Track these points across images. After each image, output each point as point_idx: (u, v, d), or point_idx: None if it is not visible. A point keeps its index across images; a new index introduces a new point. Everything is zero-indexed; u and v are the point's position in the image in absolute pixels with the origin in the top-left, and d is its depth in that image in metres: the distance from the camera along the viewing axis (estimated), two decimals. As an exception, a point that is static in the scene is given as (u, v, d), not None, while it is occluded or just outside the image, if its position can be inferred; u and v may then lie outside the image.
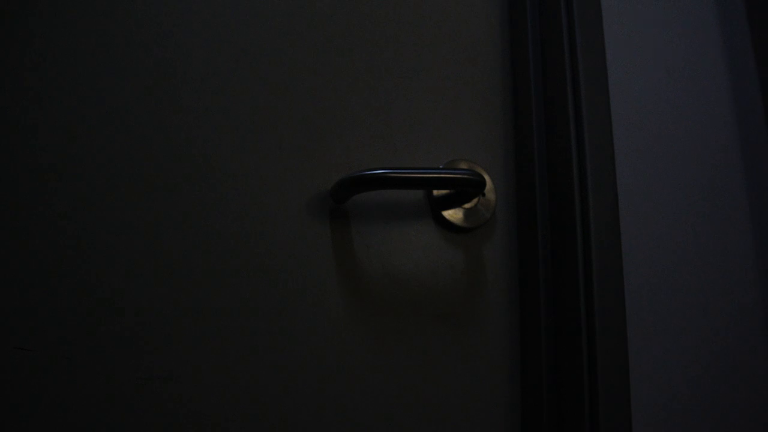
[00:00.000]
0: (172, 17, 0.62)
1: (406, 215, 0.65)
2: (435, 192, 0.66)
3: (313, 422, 0.57)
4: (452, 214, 0.66)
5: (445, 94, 0.70)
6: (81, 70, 0.58)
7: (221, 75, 0.62)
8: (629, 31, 0.74)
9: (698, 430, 0.64)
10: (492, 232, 0.68)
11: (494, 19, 0.75)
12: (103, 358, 0.52)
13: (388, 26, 0.70)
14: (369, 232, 0.63)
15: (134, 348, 0.53)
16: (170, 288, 0.56)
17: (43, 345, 0.51)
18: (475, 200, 0.67)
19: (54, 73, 0.57)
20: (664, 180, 0.71)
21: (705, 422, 0.64)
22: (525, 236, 0.68)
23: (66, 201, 0.54)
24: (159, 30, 0.61)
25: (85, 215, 0.55)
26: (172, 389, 0.53)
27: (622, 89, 0.71)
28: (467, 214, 0.67)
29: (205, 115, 0.61)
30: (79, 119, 0.57)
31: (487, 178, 0.69)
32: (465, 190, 0.62)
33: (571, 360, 0.60)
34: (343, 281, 0.61)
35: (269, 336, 0.57)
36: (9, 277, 0.51)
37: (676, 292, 0.67)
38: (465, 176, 0.60)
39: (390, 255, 0.63)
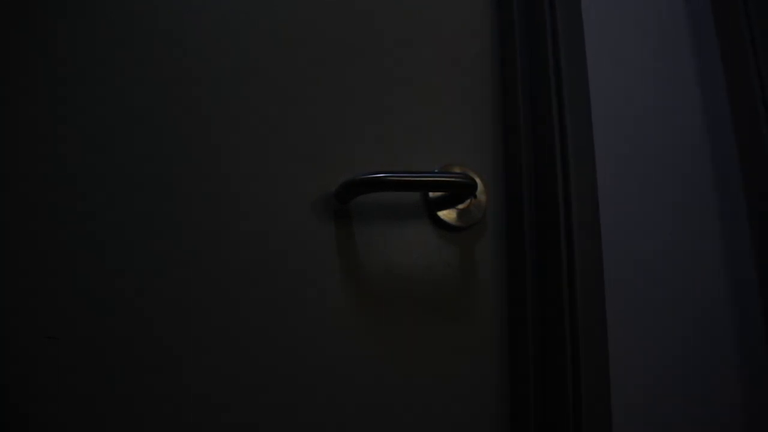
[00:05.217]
0: (187, 28, 0.64)
1: (404, 215, 0.68)
2: (431, 194, 0.68)
3: (317, 405, 0.59)
4: (447, 215, 0.68)
5: (440, 103, 0.73)
6: (99, 77, 0.60)
7: (233, 84, 0.65)
8: (609, 44, 0.77)
9: (673, 410, 0.66)
10: (483, 231, 0.71)
11: (486, 36, 0.78)
12: (122, 348, 0.54)
13: (388, 41, 0.73)
14: (370, 230, 0.66)
15: (149, 339, 0.55)
16: (185, 283, 0.58)
17: (71, 334, 0.53)
18: (467, 201, 0.69)
19: (74, 79, 0.59)
20: (640, 182, 0.73)
21: (679, 405, 0.67)
22: (513, 234, 0.71)
23: (89, 202, 0.57)
24: (175, 39, 0.64)
25: (105, 216, 0.57)
26: (183, 378, 0.55)
27: (602, 99, 0.74)
28: (460, 214, 0.69)
29: (218, 121, 0.63)
30: (98, 124, 0.59)
31: (478, 181, 0.71)
32: (458, 192, 0.64)
33: (556, 347, 0.63)
34: (346, 276, 0.63)
35: (277, 325, 0.60)
36: (40, 275, 0.54)
37: (652, 285, 0.70)
38: (458, 179, 0.62)
39: (389, 252, 0.66)
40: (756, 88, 0.77)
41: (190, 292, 0.58)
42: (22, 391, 0.51)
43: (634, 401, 0.65)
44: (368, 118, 0.69)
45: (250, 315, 0.59)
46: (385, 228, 0.67)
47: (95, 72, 0.60)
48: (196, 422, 0.55)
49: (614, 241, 0.69)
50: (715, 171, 0.79)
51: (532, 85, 0.73)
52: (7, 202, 0.55)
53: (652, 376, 0.67)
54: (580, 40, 0.72)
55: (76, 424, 0.52)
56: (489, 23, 0.79)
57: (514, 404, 0.66)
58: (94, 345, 0.54)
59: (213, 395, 0.56)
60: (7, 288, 0.53)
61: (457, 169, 0.71)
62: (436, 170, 0.70)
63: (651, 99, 0.78)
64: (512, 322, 0.69)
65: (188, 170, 0.61)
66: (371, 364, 0.62)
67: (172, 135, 0.61)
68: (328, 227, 0.64)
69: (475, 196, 0.70)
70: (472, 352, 0.66)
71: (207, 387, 0.56)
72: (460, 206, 0.69)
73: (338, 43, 0.70)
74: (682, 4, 0.85)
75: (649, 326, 0.68)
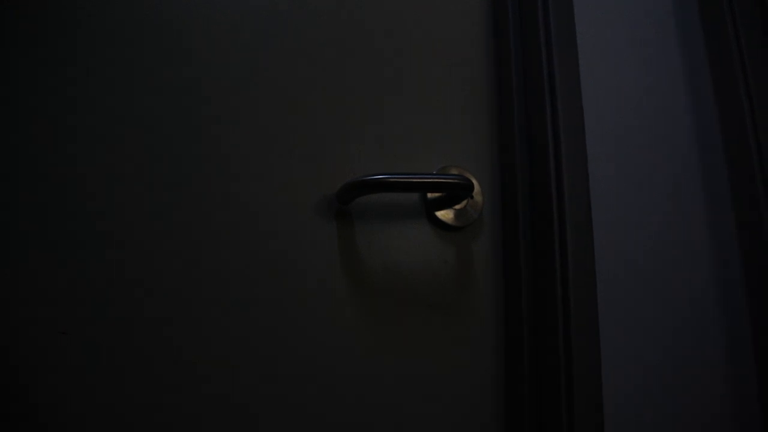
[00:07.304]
0: (193, 33, 0.66)
1: (403, 215, 0.69)
2: (429, 195, 0.70)
3: (318, 402, 0.60)
4: (444, 215, 0.70)
5: (438, 107, 0.74)
6: (107, 79, 0.62)
7: (240, 90, 0.66)
8: (601, 53, 0.78)
9: (662, 407, 0.68)
10: (480, 230, 0.72)
11: (481, 41, 0.80)
12: (130, 343, 0.56)
13: (387, 46, 0.74)
14: (370, 230, 0.67)
15: (156, 335, 0.56)
16: (188, 283, 0.59)
17: (81, 330, 0.55)
18: (464, 202, 0.70)
19: (83, 81, 0.61)
20: (631, 184, 0.75)
21: (668, 402, 0.68)
22: (509, 233, 0.72)
23: (96, 202, 0.58)
24: (180, 43, 0.65)
25: (115, 216, 0.58)
26: (184, 376, 0.57)
27: (595, 104, 0.75)
28: (457, 214, 0.70)
29: (221, 124, 0.64)
30: (105, 126, 0.60)
31: (475, 182, 0.72)
32: (456, 193, 0.65)
33: (550, 342, 0.64)
34: (348, 274, 0.65)
35: (282, 321, 0.61)
36: (52, 274, 0.55)
37: (642, 283, 0.71)
38: (456, 180, 0.63)
39: (389, 250, 0.67)
40: (741, 87, 0.79)
41: (193, 291, 0.59)
42: (33, 383, 0.52)
43: (625, 396, 0.66)
44: (368, 121, 0.71)
45: (253, 314, 0.60)
46: (385, 228, 0.68)
47: (104, 74, 0.62)
48: (198, 419, 0.56)
49: (606, 239, 0.70)
50: (704, 172, 0.80)
51: (526, 88, 0.75)
52: (16, 202, 0.56)
53: (642, 372, 0.68)
54: (572, 44, 0.74)
55: (82, 419, 0.53)
56: (484, 29, 0.81)
57: (509, 399, 0.67)
58: (99, 343, 0.55)
59: (214, 394, 0.57)
60: (18, 285, 0.54)
61: (454, 171, 0.72)
62: (434, 172, 0.71)
63: (642, 102, 0.79)
64: (508, 318, 0.70)
65: (191, 172, 0.62)
66: (372, 361, 0.63)
67: (174, 137, 0.62)
68: (329, 227, 0.66)
69: (472, 197, 0.71)
70: (469, 344, 0.68)
71: (209, 386, 0.57)
72: (457, 206, 0.70)
73: (339, 47, 0.72)
74: (671, 12, 0.87)
75: (639, 324, 0.70)
